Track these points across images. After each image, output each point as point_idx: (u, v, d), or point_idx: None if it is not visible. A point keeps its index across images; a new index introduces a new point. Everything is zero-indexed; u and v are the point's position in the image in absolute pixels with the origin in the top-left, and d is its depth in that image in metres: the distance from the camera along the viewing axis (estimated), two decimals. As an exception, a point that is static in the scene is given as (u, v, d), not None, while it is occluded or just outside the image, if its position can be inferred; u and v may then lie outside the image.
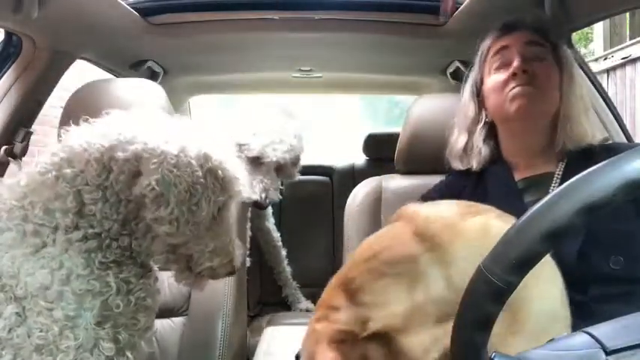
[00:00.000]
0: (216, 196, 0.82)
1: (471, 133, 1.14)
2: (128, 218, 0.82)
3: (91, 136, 0.83)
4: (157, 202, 0.77)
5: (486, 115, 1.12)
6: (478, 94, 1.13)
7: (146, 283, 0.85)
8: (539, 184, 1.02)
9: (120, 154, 0.79)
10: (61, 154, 0.82)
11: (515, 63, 1.01)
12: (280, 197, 1.76)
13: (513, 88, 1.01)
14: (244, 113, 1.75)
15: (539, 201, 0.47)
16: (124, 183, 0.80)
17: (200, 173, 0.80)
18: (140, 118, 0.87)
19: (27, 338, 0.76)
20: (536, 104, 1.00)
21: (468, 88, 1.15)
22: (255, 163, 1.66)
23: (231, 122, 1.76)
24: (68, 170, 0.80)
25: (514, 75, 1.01)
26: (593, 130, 1.03)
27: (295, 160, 1.78)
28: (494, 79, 1.07)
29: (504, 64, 1.04)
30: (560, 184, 0.97)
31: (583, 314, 0.84)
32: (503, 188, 1.06)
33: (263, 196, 1.64)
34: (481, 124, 1.12)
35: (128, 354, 0.82)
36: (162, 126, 0.85)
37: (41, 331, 0.76)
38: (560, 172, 1.01)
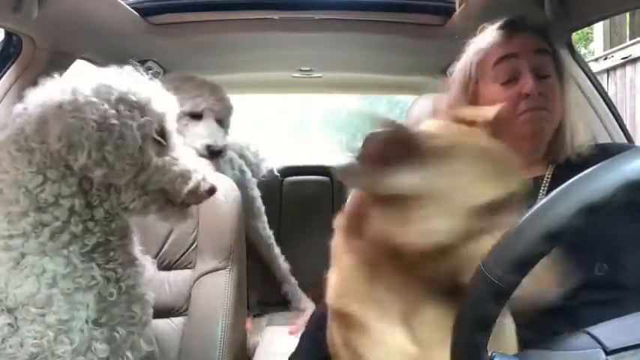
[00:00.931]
0: (138, 122, 0.79)
1: None
2: (83, 186, 0.79)
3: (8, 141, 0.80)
4: (73, 151, 0.74)
5: None
6: (472, 95, 1.05)
7: (133, 271, 0.83)
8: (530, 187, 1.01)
9: (29, 128, 0.77)
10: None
11: (530, 83, 0.94)
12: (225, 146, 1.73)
13: (526, 111, 0.95)
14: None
15: (539, 202, 0.47)
16: (48, 151, 0.76)
17: (107, 106, 0.77)
18: (49, 86, 0.85)
19: (20, 348, 0.75)
20: (548, 125, 0.98)
21: (456, 86, 1.06)
22: (194, 118, 1.64)
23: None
24: (4, 176, 0.77)
25: (527, 96, 0.94)
26: (588, 135, 1.01)
27: (229, 112, 1.76)
28: (500, 94, 0.97)
29: (512, 77, 0.96)
30: (550, 187, 0.98)
31: (569, 319, 0.84)
32: None
33: (212, 140, 1.61)
34: None
35: (128, 354, 0.81)
36: (65, 83, 0.83)
37: (35, 339, 0.75)
38: (550, 176, 0.99)
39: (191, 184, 0.84)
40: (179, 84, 1.64)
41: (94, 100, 0.76)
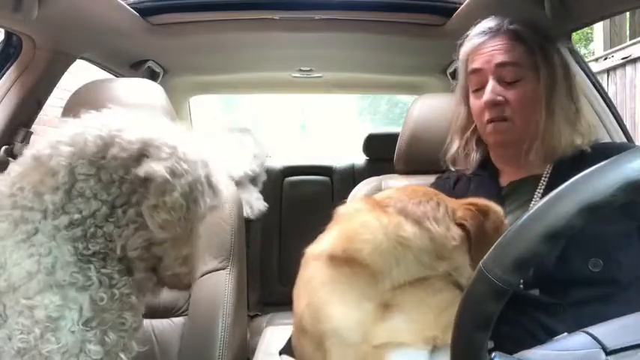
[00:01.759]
0: (210, 200, 0.83)
1: (462, 137, 1.14)
2: (116, 203, 0.79)
3: (92, 122, 0.82)
4: (163, 189, 0.76)
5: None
6: (468, 98, 1.11)
7: (129, 279, 0.82)
8: (526, 186, 1.01)
9: (125, 136, 0.77)
10: (58, 137, 0.80)
11: (486, 95, 0.99)
12: (266, 205, 1.75)
13: (488, 122, 1.01)
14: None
15: (537, 201, 0.47)
16: (122, 162, 0.77)
17: (202, 173, 0.81)
18: (141, 116, 0.87)
19: (8, 341, 0.73)
20: (512, 135, 1.00)
21: (457, 93, 1.14)
22: None
23: None
24: (65, 147, 0.78)
25: (487, 106, 1.00)
26: (573, 136, 0.99)
27: (262, 166, 1.78)
28: (473, 102, 1.06)
29: (481, 86, 1.02)
30: (547, 186, 0.98)
31: (563, 318, 0.84)
32: (484, 197, 1.06)
33: (249, 210, 1.63)
34: (471, 130, 1.12)
35: (122, 355, 0.80)
36: (164, 125, 0.85)
37: (22, 333, 0.73)
38: (548, 174, 1.00)
39: (182, 270, 0.87)
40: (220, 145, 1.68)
41: (199, 162, 0.81)
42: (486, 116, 1.01)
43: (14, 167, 0.83)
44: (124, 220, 0.80)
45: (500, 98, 0.98)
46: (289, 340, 1.03)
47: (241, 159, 1.65)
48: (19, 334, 0.73)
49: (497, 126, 1.00)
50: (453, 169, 1.16)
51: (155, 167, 0.75)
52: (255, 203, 1.66)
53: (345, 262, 0.76)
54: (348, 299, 0.74)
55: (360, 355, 0.72)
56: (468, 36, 1.08)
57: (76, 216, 0.78)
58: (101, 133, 0.78)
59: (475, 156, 1.12)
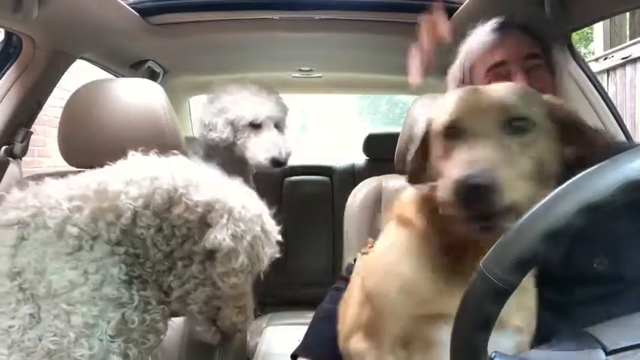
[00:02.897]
0: (270, 250, 0.87)
1: None
2: (176, 255, 0.83)
3: (158, 167, 0.85)
4: (229, 256, 0.80)
5: None
6: None
7: (162, 308, 0.85)
8: None
9: (190, 196, 0.80)
10: (136, 175, 0.83)
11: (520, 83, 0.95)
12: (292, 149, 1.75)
13: None
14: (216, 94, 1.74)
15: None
16: (185, 222, 0.81)
17: (259, 228, 0.84)
18: (189, 164, 0.90)
19: (38, 342, 0.75)
20: None
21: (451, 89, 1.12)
22: (254, 129, 1.66)
23: (205, 106, 1.76)
24: (134, 190, 0.80)
25: None
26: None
27: (285, 115, 1.77)
28: None
29: (503, 78, 0.98)
30: None
31: (568, 316, 0.84)
32: None
33: (277, 150, 1.63)
34: None
35: None
36: (216, 177, 0.89)
37: (55, 336, 0.75)
38: None
39: (239, 319, 0.91)
40: (235, 96, 1.66)
41: (254, 218, 0.84)
42: None
43: (74, 181, 0.86)
44: (186, 276, 0.84)
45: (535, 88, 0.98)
46: (301, 343, 1.03)
47: (263, 104, 1.65)
48: (52, 336, 0.75)
49: None
50: None
51: (219, 237, 0.78)
52: (280, 143, 1.65)
53: (407, 222, 0.80)
54: (419, 260, 0.77)
55: (414, 322, 0.73)
56: (470, 34, 1.07)
57: (131, 250, 0.81)
58: (169, 188, 0.81)
59: None
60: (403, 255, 0.78)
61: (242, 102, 1.66)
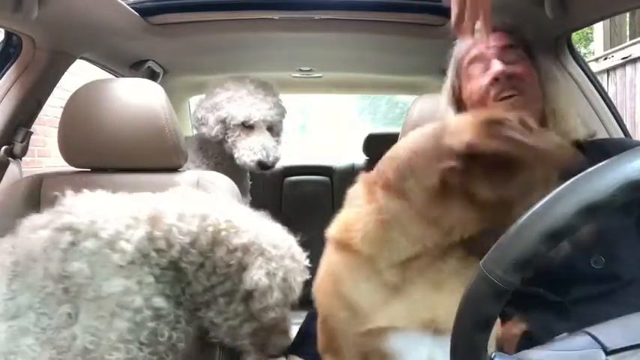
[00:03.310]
0: (302, 279, 0.96)
1: None
2: (217, 292, 0.90)
3: (207, 206, 0.92)
4: (265, 294, 0.88)
5: None
6: (458, 103, 1.11)
7: (188, 330, 0.90)
8: None
9: (232, 241, 0.88)
10: (190, 210, 0.90)
11: (495, 67, 0.99)
12: (281, 154, 1.74)
13: (497, 95, 0.99)
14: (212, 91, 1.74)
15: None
16: (226, 263, 0.88)
17: (289, 261, 0.93)
18: (232, 205, 0.99)
19: (72, 341, 0.79)
20: (522, 108, 0.98)
21: (445, 97, 1.14)
22: (245, 129, 1.65)
23: (201, 100, 1.76)
24: (184, 226, 0.87)
25: (496, 80, 0.99)
26: (578, 124, 1.02)
27: (281, 117, 1.76)
28: (474, 85, 1.04)
29: (483, 70, 1.02)
30: None
31: (564, 316, 0.84)
32: None
33: (264, 153, 1.62)
34: None
35: None
36: (251, 217, 0.97)
37: (93, 336, 0.79)
38: None
39: (285, 342, 0.99)
40: (232, 94, 1.66)
41: (286, 255, 0.93)
42: (493, 92, 1.00)
43: (126, 197, 0.94)
44: (230, 313, 0.92)
45: (509, 71, 0.99)
46: (295, 339, 1.04)
47: (258, 105, 1.65)
48: (90, 337, 0.79)
49: (512, 101, 0.98)
50: None
51: (255, 277, 0.87)
52: (271, 150, 1.64)
53: (344, 247, 0.78)
54: (356, 278, 0.76)
55: (361, 338, 0.73)
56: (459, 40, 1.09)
57: (176, 277, 0.88)
58: (214, 230, 0.89)
59: None
60: (343, 274, 0.78)
61: (237, 100, 1.65)
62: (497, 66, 0.99)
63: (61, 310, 0.80)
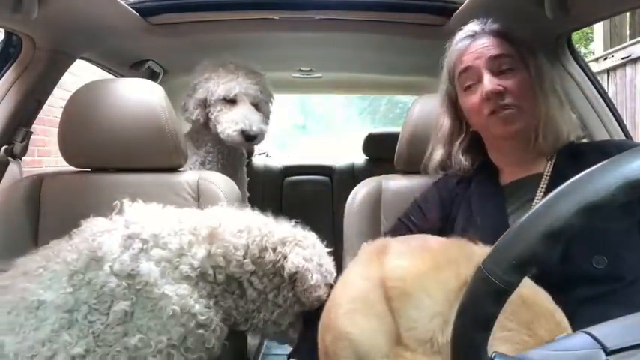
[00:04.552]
0: (330, 266, 1.05)
1: (448, 146, 1.14)
2: (267, 290, 0.99)
3: (250, 221, 1.01)
4: (305, 276, 0.97)
5: (468, 127, 1.12)
6: (454, 108, 1.12)
7: (214, 342, 0.96)
8: (527, 185, 1.01)
9: (273, 238, 0.99)
10: (238, 224, 1.00)
11: (486, 86, 0.99)
12: (267, 126, 1.70)
13: (491, 114, 0.99)
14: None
15: (538, 200, 0.47)
16: (273, 262, 0.98)
17: (319, 249, 1.04)
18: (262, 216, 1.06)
19: (121, 337, 0.85)
20: (518, 123, 0.99)
21: (441, 101, 1.14)
22: (227, 104, 1.62)
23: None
24: (239, 241, 0.97)
25: (487, 98, 0.99)
26: (568, 128, 1.02)
27: (267, 99, 1.72)
28: (469, 100, 1.04)
29: (476, 82, 1.02)
30: (550, 183, 0.98)
31: (567, 316, 0.84)
32: (486, 197, 1.06)
33: (247, 123, 1.58)
34: (461, 137, 1.12)
35: None
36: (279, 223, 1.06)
37: (144, 335, 0.85)
38: (549, 172, 1.00)
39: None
40: (210, 74, 1.63)
41: (315, 243, 1.05)
42: (486, 109, 1.00)
43: (182, 212, 1.03)
44: (280, 301, 1.00)
45: (500, 87, 0.98)
46: (297, 343, 1.03)
47: (238, 80, 1.61)
48: (140, 335, 0.86)
49: (505, 116, 0.99)
50: (440, 174, 1.17)
51: (295, 262, 0.97)
52: (252, 118, 1.59)
53: None
54: None
55: None
56: (452, 43, 1.09)
57: (229, 289, 0.98)
58: (261, 239, 0.98)
59: (464, 164, 1.11)
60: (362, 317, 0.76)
61: (215, 78, 1.62)
62: (487, 84, 0.99)
63: (117, 307, 0.86)
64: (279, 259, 0.98)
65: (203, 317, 0.92)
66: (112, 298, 0.87)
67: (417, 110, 1.33)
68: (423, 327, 0.70)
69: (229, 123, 1.59)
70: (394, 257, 0.81)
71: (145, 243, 0.93)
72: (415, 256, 0.80)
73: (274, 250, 0.98)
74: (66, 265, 0.90)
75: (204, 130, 1.69)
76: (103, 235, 0.94)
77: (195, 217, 1.01)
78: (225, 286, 0.97)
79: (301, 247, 0.99)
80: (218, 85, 1.61)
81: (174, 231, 0.96)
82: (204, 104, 1.64)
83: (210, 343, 0.93)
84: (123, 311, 0.86)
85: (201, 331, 0.92)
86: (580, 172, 0.47)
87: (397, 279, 0.76)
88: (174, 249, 0.93)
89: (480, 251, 0.75)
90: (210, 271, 0.94)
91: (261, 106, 1.69)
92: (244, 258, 0.96)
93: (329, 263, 1.05)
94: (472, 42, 1.05)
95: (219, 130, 1.61)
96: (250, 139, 1.61)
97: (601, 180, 0.44)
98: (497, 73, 1.00)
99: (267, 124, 1.74)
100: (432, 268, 0.75)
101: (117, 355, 0.84)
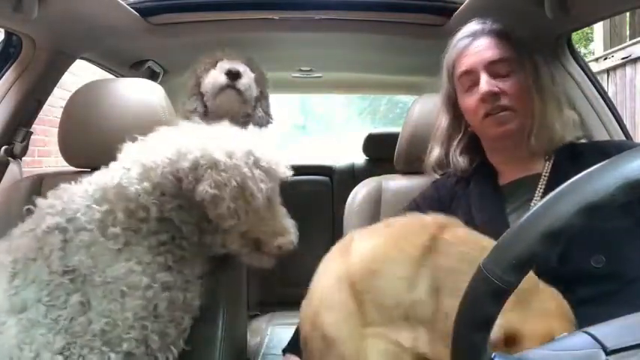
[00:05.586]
0: (265, 184, 0.95)
1: (445, 145, 1.14)
2: (201, 220, 0.93)
3: (153, 150, 0.93)
4: (214, 202, 0.88)
5: (467, 126, 1.12)
6: (454, 106, 1.12)
7: (199, 283, 0.95)
8: (526, 185, 1.02)
9: (184, 164, 0.89)
10: (134, 168, 0.92)
11: (482, 88, 1.00)
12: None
13: (487, 116, 1.01)
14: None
15: (537, 201, 0.47)
16: (192, 190, 0.89)
17: (247, 169, 0.92)
18: (189, 129, 0.99)
19: (87, 326, 0.82)
20: (512, 123, 1.00)
21: (441, 100, 1.15)
22: (214, 64, 1.62)
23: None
24: (147, 184, 0.90)
25: (484, 100, 1.00)
26: (563, 129, 1.02)
27: (259, 77, 1.70)
28: (466, 101, 1.06)
29: (474, 84, 1.03)
30: (549, 183, 0.99)
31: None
32: (485, 196, 1.06)
33: (230, 65, 1.57)
34: (459, 136, 1.13)
35: (172, 348, 0.92)
36: (212, 133, 0.97)
37: (108, 318, 0.83)
38: (548, 172, 1.01)
39: (280, 241, 1.03)
40: (201, 65, 1.64)
41: (240, 163, 0.92)
42: (482, 111, 1.01)
43: (90, 186, 0.94)
44: (212, 230, 0.95)
45: (496, 89, 0.99)
46: (292, 338, 1.04)
47: (227, 51, 1.64)
48: (105, 319, 0.83)
49: (499, 117, 1.00)
50: (438, 174, 1.17)
51: (201, 188, 0.88)
52: (237, 67, 1.58)
53: None
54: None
55: None
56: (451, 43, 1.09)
57: (166, 236, 0.92)
58: (171, 170, 0.90)
59: (461, 164, 1.12)
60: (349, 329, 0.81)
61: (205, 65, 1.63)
62: (484, 85, 1.00)
63: (72, 300, 0.83)
64: (193, 187, 0.90)
65: (158, 283, 0.87)
66: (64, 292, 0.84)
67: (417, 110, 1.33)
68: (390, 291, 0.79)
69: (215, 72, 1.59)
70: (357, 242, 0.90)
71: (65, 232, 0.88)
72: (375, 236, 0.89)
73: (187, 176, 0.90)
74: (3, 268, 0.87)
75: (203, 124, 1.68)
76: (27, 235, 0.90)
77: (101, 176, 0.96)
78: (165, 232, 0.91)
79: (217, 171, 0.89)
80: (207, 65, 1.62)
81: (88, 206, 0.90)
82: (200, 92, 1.63)
83: (179, 299, 0.90)
84: (79, 303, 0.84)
85: (165, 294, 0.88)
86: (579, 172, 0.47)
87: (360, 260, 0.85)
88: (96, 227, 0.88)
89: (432, 220, 0.87)
90: (142, 226, 0.89)
91: (255, 78, 1.66)
92: (162, 196, 0.90)
93: (259, 182, 0.94)
94: (472, 42, 1.05)
95: (205, 83, 1.59)
96: (234, 76, 1.57)
97: (601, 180, 0.44)
98: (494, 75, 1.01)
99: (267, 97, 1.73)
100: (390, 242, 0.85)
101: (91, 341, 0.82)
